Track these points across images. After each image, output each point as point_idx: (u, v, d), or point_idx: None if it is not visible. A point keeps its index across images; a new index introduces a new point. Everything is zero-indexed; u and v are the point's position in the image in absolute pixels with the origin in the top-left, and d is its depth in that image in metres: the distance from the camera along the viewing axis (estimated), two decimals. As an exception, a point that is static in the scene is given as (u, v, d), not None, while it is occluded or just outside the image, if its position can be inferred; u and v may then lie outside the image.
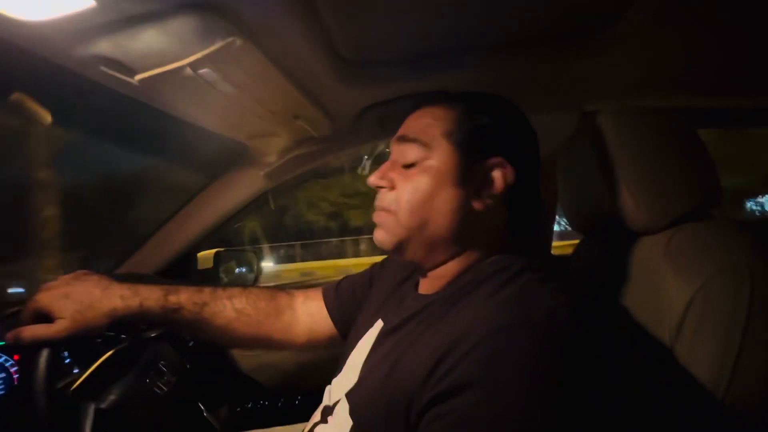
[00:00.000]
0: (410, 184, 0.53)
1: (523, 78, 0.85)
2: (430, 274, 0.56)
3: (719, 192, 0.62)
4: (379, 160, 1.24)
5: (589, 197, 0.68)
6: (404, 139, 0.55)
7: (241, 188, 1.12)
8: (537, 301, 0.45)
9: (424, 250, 0.54)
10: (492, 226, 0.53)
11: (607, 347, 0.63)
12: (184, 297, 0.65)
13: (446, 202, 0.52)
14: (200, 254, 1.28)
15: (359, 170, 1.22)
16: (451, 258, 0.54)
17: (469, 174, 0.52)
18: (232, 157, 1.07)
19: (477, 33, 0.71)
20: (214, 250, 1.30)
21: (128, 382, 0.75)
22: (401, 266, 0.67)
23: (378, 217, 0.56)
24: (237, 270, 1.47)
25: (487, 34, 0.71)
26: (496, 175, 0.52)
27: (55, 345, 0.59)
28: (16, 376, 0.82)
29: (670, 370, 0.55)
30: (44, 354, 0.58)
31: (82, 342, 0.78)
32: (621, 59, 0.78)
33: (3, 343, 0.80)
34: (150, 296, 0.62)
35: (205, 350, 0.99)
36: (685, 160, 0.62)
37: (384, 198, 0.55)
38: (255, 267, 1.44)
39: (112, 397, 0.71)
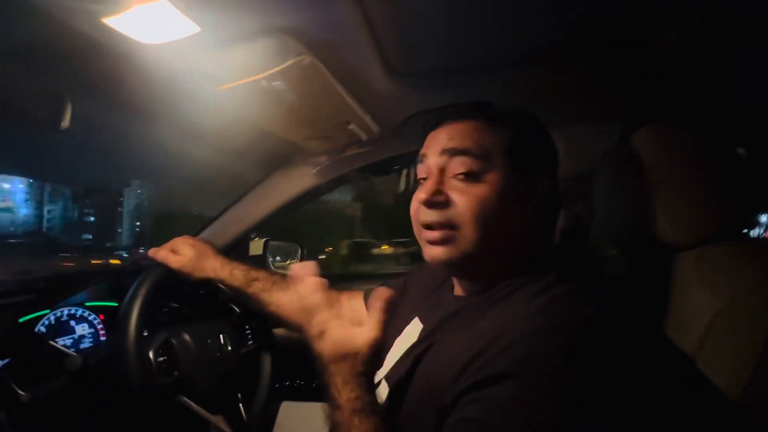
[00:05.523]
0: (476, 198, 0.53)
1: (570, 89, 0.87)
2: (468, 278, 0.60)
3: (753, 212, 0.62)
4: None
5: (623, 211, 0.69)
6: (466, 153, 0.54)
7: (293, 183, 1.24)
8: (571, 310, 0.49)
9: (484, 263, 0.55)
10: (529, 236, 0.57)
11: (631, 357, 0.65)
12: (261, 274, 0.88)
13: (508, 216, 0.54)
14: (252, 241, 1.41)
15: (401, 186, 1.17)
16: (494, 266, 0.56)
17: (522, 188, 0.55)
18: (287, 156, 1.19)
19: (525, 46, 0.74)
20: (264, 239, 1.43)
21: (196, 332, 0.88)
22: (435, 272, 0.71)
23: (433, 234, 0.55)
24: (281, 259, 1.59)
25: (534, 46, 0.75)
26: (538, 187, 0.56)
27: (170, 271, 0.85)
28: (102, 332, 0.97)
29: (689, 381, 0.57)
30: (161, 268, 0.85)
31: (153, 309, 0.91)
32: (666, 76, 0.79)
33: (93, 303, 0.96)
34: (238, 267, 0.87)
35: (258, 346, 1.07)
36: (721, 178, 0.62)
37: (442, 213, 0.54)
38: (298, 258, 1.56)
39: (183, 336, 0.85)
